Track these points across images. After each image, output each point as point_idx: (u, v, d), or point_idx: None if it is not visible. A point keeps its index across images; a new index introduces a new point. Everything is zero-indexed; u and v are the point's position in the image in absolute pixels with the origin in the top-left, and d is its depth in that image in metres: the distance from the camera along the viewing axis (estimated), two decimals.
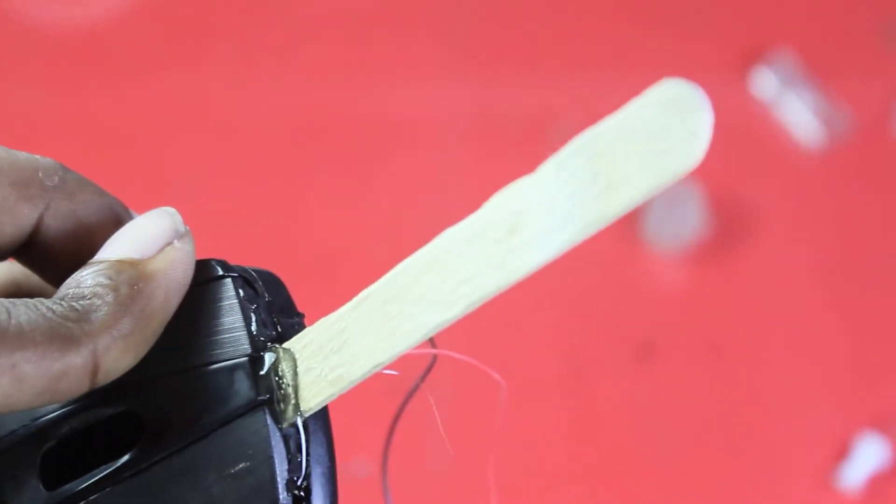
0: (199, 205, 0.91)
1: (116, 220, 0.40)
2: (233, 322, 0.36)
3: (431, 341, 0.35)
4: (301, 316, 0.38)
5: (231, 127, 0.95)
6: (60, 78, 0.97)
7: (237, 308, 0.36)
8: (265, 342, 0.36)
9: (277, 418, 0.35)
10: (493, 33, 0.99)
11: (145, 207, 1.03)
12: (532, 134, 0.95)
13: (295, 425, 0.36)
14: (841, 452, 0.84)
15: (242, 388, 0.35)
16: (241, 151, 0.94)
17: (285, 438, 0.35)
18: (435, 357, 0.36)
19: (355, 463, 0.81)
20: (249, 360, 0.36)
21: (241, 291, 0.36)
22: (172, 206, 0.91)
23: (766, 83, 0.96)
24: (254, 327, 0.36)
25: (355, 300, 0.36)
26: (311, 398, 0.36)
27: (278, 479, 0.35)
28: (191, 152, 0.94)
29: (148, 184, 0.92)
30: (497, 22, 1.00)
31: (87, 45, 0.98)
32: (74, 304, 0.34)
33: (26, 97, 0.96)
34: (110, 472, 0.35)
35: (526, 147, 0.94)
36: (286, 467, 0.35)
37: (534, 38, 0.99)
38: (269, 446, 0.35)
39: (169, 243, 0.38)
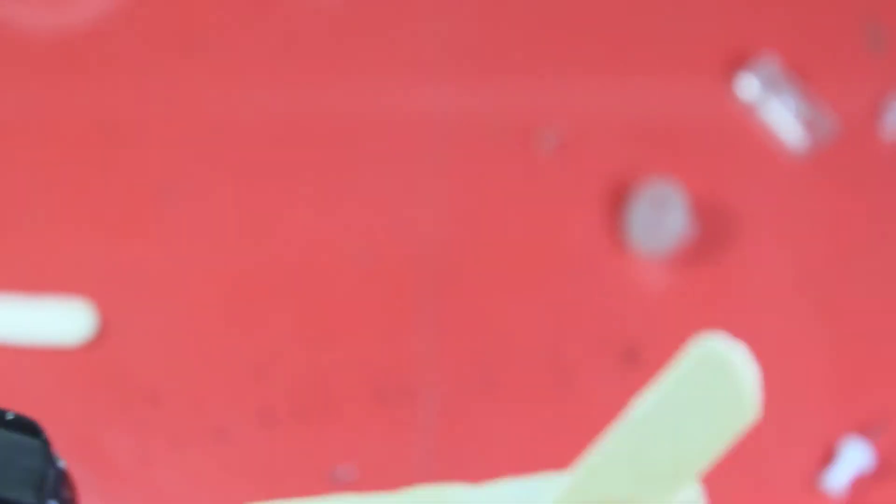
0: (181, 208, 0.91)
1: None
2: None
3: None
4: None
5: (213, 129, 0.95)
6: (41, 82, 0.96)
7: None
8: None
9: None
10: (480, 35, 0.99)
11: (129, 213, 1.02)
12: (518, 138, 0.94)
13: None
14: (825, 456, 0.84)
15: None
16: (222, 154, 0.94)
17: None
18: None
19: (341, 469, 0.81)
20: None
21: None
22: (154, 210, 0.92)
23: (750, 87, 0.96)
24: None
25: None
26: None
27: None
28: (172, 156, 0.93)
29: (130, 188, 0.91)
30: (483, 24, 0.99)
31: (68, 47, 0.97)
32: None
33: (7, 101, 0.95)
34: None
35: (512, 151, 0.94)
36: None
37: (520, 42, 0.99)
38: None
39: None
